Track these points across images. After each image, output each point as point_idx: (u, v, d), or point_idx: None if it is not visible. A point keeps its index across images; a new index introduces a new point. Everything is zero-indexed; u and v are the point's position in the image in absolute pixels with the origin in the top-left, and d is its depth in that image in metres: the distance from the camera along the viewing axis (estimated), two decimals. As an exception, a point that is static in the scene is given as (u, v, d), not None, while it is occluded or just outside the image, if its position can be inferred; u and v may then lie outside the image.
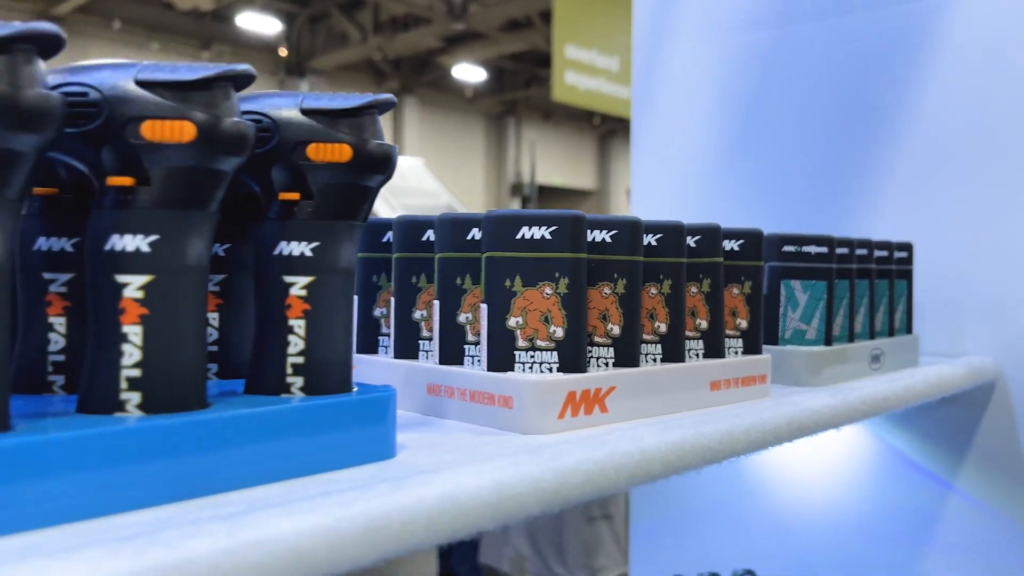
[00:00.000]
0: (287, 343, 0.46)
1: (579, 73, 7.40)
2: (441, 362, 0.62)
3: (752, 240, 0.73)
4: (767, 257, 0.80)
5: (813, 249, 0.80)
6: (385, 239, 0.68)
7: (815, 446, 1.17)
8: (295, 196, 0.47)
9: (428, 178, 4.27)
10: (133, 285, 0.40)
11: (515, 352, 0.58)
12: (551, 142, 12.51)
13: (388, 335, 0.68)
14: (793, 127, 1.23)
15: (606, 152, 13.41)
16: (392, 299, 0.66)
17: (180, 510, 0.37)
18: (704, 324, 0.69)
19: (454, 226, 0.61)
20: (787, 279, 0.81)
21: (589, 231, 0.60)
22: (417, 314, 0.66)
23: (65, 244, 0.46)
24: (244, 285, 0.52)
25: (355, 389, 0.48)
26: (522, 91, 11.62)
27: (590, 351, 0.61)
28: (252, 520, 0.35)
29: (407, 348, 0.66)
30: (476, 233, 0.61)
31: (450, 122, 11.76)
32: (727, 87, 1.31)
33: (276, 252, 0.46)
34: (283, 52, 9.84)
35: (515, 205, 11.56)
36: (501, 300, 0.58)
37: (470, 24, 8.82)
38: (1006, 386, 1.03)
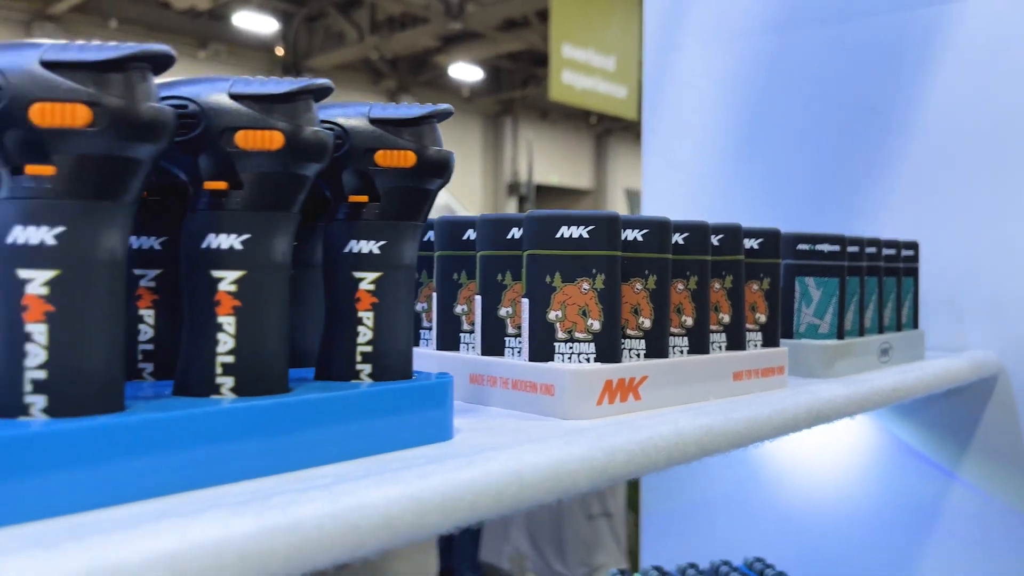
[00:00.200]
0: (356, 333, 0.50)
1: (576, 72, 7.44)
2: (483, 353, 0.66)
3: (771, 239, 0.77)
4: (782, 255, 0.84)
5: (826, 247, 0.85)
6: (427, 238, 0.72)
7: (823, 438, 1.21)
8: (363, 199, 0.51)
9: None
10: (227, 280, 0.44)
11: (555, 343, 0.62)
12: (548, 141, 12.55)
13: (430, 328, 0.72)
14: (800, 130, 1.28)
15: (602, 151, 13.46)
16: (434, 294, 0.71)
17: (277, 482, 0.41)
18: (727, 318, 0.73)
19: (496, 226, 0.66)
20: (801, 276, 0.85)
21: (622, 230, 0.65)
22: (458, 308, 0.70)
23: (154, 243, 0.50)
24: (308, 281, 0.56)
25: (415, 376, 0.53)
26: (519, 90, 11.66)
27: (623, 343, 0.65)
28: (347, 488, 0.39)
29: (449, 340, 0.70)
30: (516, 232, 0.65)
31: (447, 121, 11.74)
32: (735, 91, 1.35)
33: (346, 250, 0.51)
34: (280, 51, 9.86)
35: (512, 205, 11.61)
36: (542, 295, 0.62)
37: (467, 24, 8.86)
38: (1007, 380, 1.08)
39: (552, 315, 0.62)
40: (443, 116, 0.52)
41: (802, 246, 0.85)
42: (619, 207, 11.88)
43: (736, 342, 0.74)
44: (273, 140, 0.44)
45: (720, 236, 0.73)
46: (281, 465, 0.43)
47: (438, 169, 0.52)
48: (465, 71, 10.86)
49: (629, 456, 0.52)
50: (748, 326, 0.77)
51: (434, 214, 0.64)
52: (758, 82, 1.32)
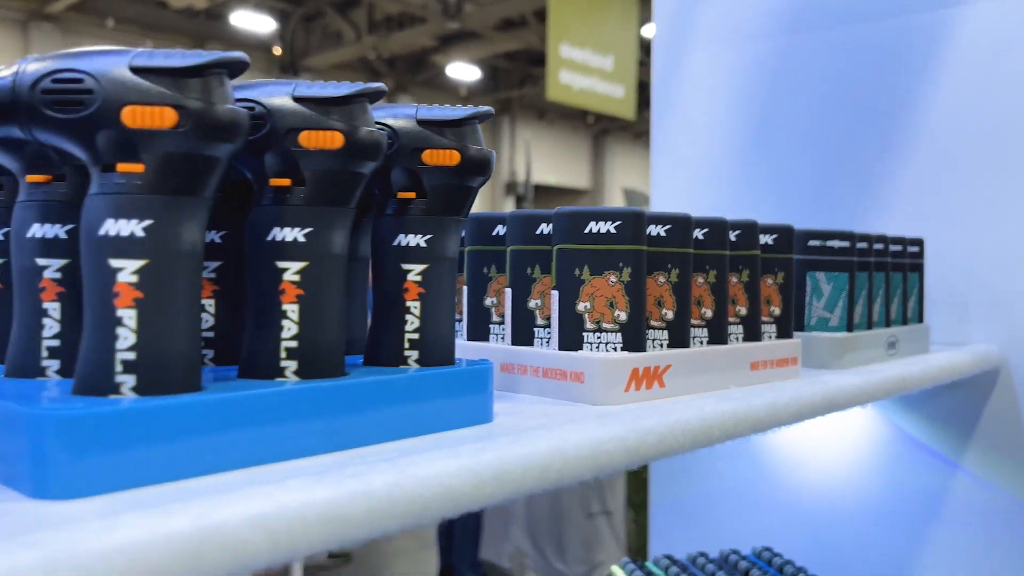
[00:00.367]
0: (404, 322, 0.54)
1: (573, 72, 7.48)
2: (513, 343, 0.69)
3: (784, 235, 0.81)
4: (795, 251, 0.87)
5: (836, 243, 0.88)
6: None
7: (829, 431, 1.25)
8: (411, 195, 0.54)
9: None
10: (291, 270, 0.47)
11: (583, 333, 0.65)
12: (546, 141, 12.59)
13: (461, 320, 0.75)
14: (806, 131, 1.31)
15: (600, 151, 13.51)
16: (465, 288, 0.74)
17: (344, 457, 0.44)
18: (743, 311, 0.76)
19: (526, 222, 0.69)
20: (812, 271, 0.88)
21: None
22: (488, 301, 0.73)
23: (213, 236, 0.53)
24: (353, 273, 0.60)
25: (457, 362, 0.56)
26: (516, 90, 11.70)
27: (647, 333, 0.69)
28: (411, 461, 0.42)
29: (479, 331, 0.73)
30: (545, 228, 0.68)
31: (445, 121, 11.77)
32: (743, 92, 1.38)
33: (395, 243, 0.54)
34: (277, 51, 9.90)
35: (509, 204, 11.64)
36: (571, 287, 0.65)
37: (464, 23, 8.90)
38: (1009, 373, 1.11)
39: (581, 306, 0.65)
40: (484, 117, 0.56)
41: (813, 242, 0.88)
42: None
43: (752, 333, 0.77)
44: (334, 140, 0.47)
45: (737, 232, 0.76)
46: (341, 442, 0.46)
47: (480, 167, 0.55)
48: (463, 71, 10.90)
49: (659, 438, 0.55)
50: (763, 318, 0.80)
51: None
52: (766, 84, 1.36)
